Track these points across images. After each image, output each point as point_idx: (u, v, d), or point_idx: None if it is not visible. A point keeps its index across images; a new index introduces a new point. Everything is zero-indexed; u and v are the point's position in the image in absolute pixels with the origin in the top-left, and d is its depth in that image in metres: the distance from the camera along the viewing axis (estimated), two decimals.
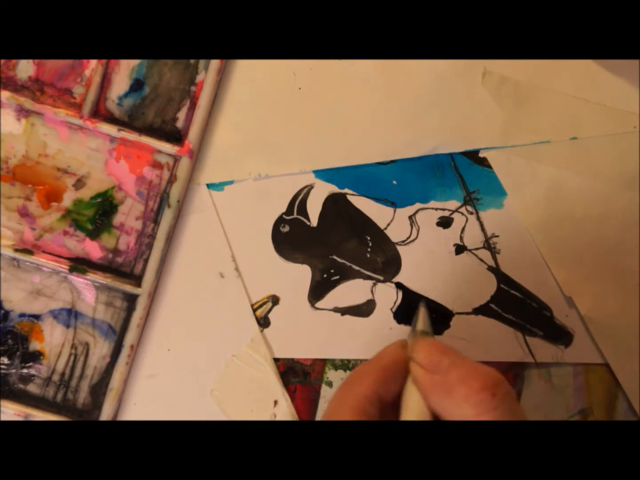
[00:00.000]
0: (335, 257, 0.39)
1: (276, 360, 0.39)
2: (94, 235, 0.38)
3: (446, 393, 0.26)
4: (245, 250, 0.39)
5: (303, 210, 0.39)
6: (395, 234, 0.39)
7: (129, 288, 0.38)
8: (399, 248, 0.39)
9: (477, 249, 0.39)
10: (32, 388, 0.39)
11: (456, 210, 0.39)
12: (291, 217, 0.39)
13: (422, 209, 0.39)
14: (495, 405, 0.25)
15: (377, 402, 0.26)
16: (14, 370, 0.38)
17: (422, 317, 0.31)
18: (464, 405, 0.25)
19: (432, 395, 0.26)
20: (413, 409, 0.27)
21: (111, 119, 0.38)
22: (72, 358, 0.39)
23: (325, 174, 0.39)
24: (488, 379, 0.25)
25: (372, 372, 0.27)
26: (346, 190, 0.39)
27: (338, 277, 0.39)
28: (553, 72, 0.38)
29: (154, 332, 0.39)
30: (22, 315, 0.39)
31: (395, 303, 0.39)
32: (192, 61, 0.38)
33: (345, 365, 0.39)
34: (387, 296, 0.39)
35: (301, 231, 0.39)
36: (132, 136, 0.37)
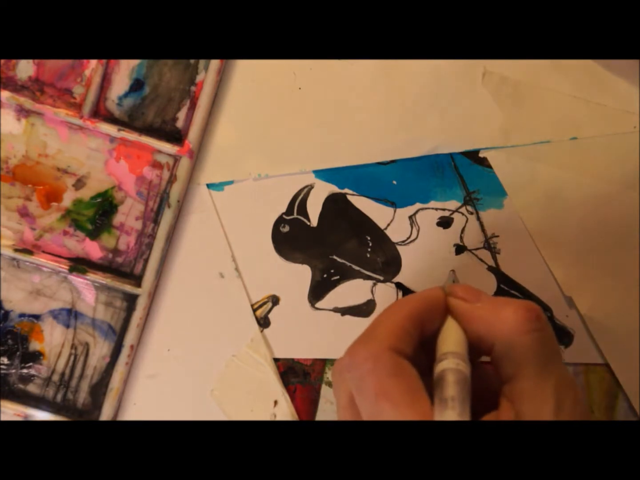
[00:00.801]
0: (335, 257, 0.39)
1: (276, 360, 0.39)
2: (94, 235, 0.38)
3: (491, 313, 0.26)
4: (245, 250, 0.39)
5: (303, 210, 0.39)
6: (395, 234, 0.39)
7: (129, 288, 0.38)
8: (399, 248, 0.39)
9: (477, 249, 0.39)
10: (32, 388, 0.39)
11: (456, 210, 0.39)
12: (291, 217, 0.39)
13: (422, 209, 0.39)
14: (541, 327, 0.26)
15: (418, 326, 0.27)
16: (14, 370, 0.38)
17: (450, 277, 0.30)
18: (511, 320, 0.26)
19: (476, 318, 0.27)
20: (452, 338, 0.27)
21: (111, 119, 0.38)
22: (72, 358, 0.39)
23: (325, 174, 0.39)
24: (532, 305, 0.26)
25: (415, 298, 0.28)
26: (346, 190, 0.39)
27: (338, 277, 0.39)
28: (553, 72, 0.38)
29: (154, 332, 0.39)
30: (22, 315, 0.39)
31: None
32: (192, 61, 0.38)
33: None
34: (387, 296, 0.39)
35: (301, 231, 0.39)
36: (132, 136, 0.37)
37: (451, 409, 0.24)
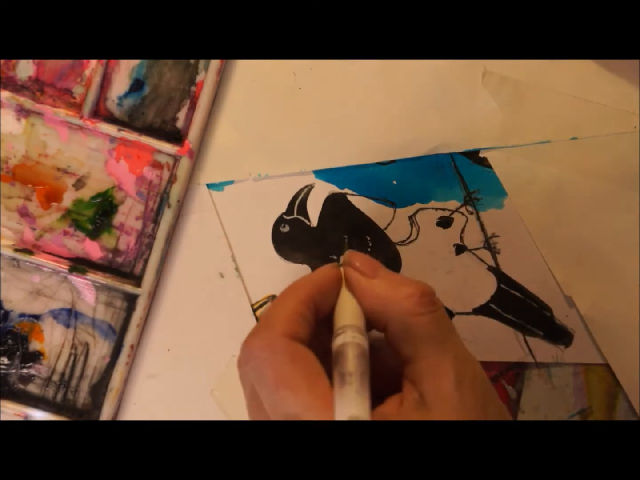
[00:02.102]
0: (335, 257, 0.39)
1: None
2: (94, 235, 0.38)
3: (386, 292, 0.27)
4: (245, 250, 0.39)
5: (303, 210, 0.39)
6: (395, 234, 0.39)
7: (129, 288, 0.38)
8: (399, 248, 0.39)
9: (477, 249, 0.39)
10: (32, 388, 0.39)
11: (456, 210, 0.39)
12: (291, 217, 0.39)
13: (422, 209, 0.39)
14: (435, 309, 0.26)
15: (313, 308, 0.27)
16: (14, 370, 0.38)
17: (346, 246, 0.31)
18: (405, 302, 0.26)
19: (371, 295, 0.27)
20: (348, 311, 0.27)
21: (111, 119, 0.38)
22: (72, 358, 0.39)
23: (325, 174, 0.39)
24: (426, 287, 0.27)
25: (308, 282, 0.27)
26: (346, 190, 0.39)
27: None
28: (553, 72, 0.38)
29: (154, 332, 0.39)
30: (22, 315, 0.39)
31: None
32: (192, 61, 0.38)
33: None
34: None
35: (301, 231, 0.39)
36: (132, 136, 0.37)
37: (349, 385, 0.24)
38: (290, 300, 0.27)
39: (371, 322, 0.27)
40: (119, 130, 0.37)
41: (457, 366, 0.25)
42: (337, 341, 0.25)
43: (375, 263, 0.28)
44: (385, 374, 0.27)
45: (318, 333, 0.27)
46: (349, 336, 0.25)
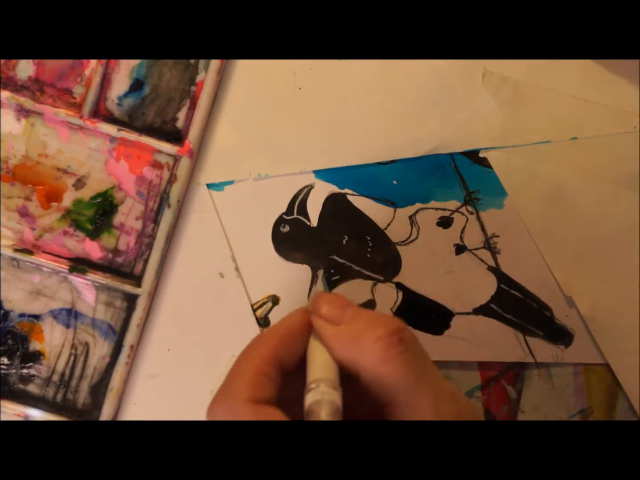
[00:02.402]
0: (335, 257, 0.39)
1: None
2: (94, 235, 0.38)
3: (352, 340, 0.25)
4: (245, 250, 0.39)
5: (303, 210, 0.39)
6: (395, 234, 0.39)
7: (129, 288, 0.38)
8: (399, 248, 0.39)
9: (477, 249, 0.39)
10: (32, 388, 0.39)
11: (456, 210, 0.39)
12: (291, 217, 0.39)
13: (422, 209, 0.39)
14: (403, 349, 0.25)
15: (277, 366, 0.26)
16: (14, 370, 0.38)
17: (319, 283, 0.30)
18: (372, 349, 0.25)
19: (338, 345, 0.26)
20: (319, 363, 0.26)
21: (111, 119, 0.38)
22: (72, 358, 0.39)
23: (325, 174, 0.39)
24: (393, 325, 0.25)
25: (272, 336, 0.26)
26: (346, 190, 0.39)
27: (338, 277, 0.39)
28: (553, 72, 0.38)
29: (154, 332, 0.39)
30: (22, 315, 0.39)
31: (395, 303, 0.39)
32: (192, 61, 0.38)
33: None
34: (387, 296, 0.39)
35: (301, 231, 0.39)
36: (132, 136, 0.37)
37: None
38: (252, 361, 0.26)
39: (344, 369, 0.26)
40: (119, 130, 0.37)
41: (436, 407, 0.24)
42: (309, 398, 0.24)
43: (343, 303, 0.27)
44: (364, 413, 0.26)
45: (289, 381, 0.26)
46: (320, 392, 0.24)
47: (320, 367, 0.26)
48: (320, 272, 0.30)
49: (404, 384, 0.25)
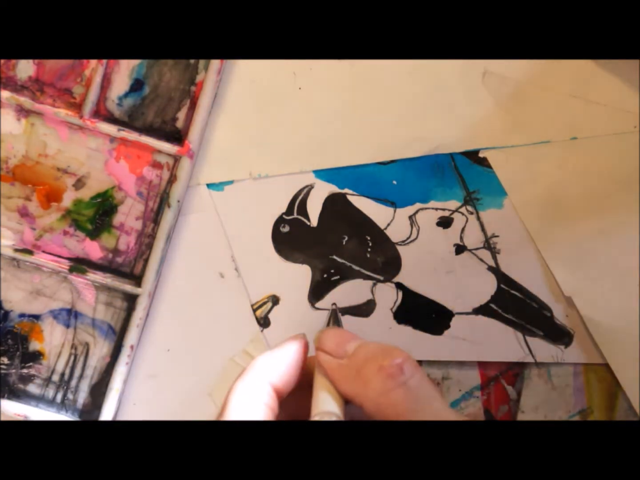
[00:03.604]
0: (335, 257, 0.39)
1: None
2: (94, 235, 0.38)
3: (356, 374, 0.26)
4: (245, 250, 0.39)
5: (303, 210, 0.39)
6: (395, 234, 0.39)
7: (129, 288, 0.38)
8: (399, 248, 0.39)
9: (477, 249, 0.39)
10: (32, 388, 0.39)
11: (456, 210, 0.39)
12: (291, 217, 0.39)
13: (422, 209, 0.39)
14: (405, 380, 0.25)
15: (275, 394, 0.26)
16: (14, 370, 0.38)
17: (332, 318, 0.31)
18: (374, 381, 0.25)
19: (342, 379, 0.26)
20: (324, 396, 0.26)
21: (111, 119, 0.38)
22: (72, 358, 0.39)
23: (325, 174, 0.39)
24: (395, 355, 0.26)
25: (271, 364, 0.27)
26: (346, 190, 0.39)
27: (338, 277, 0.39)
28: (553, 72, 0.38)
29: (154, 332, 0.39)
30: (22, 315, 0.39)
31: (395, 303, 0.39)
32: (192, 61, 0.38)
33: None
34: (387, 296, 0.39)
35: (301, 231, 0.39)
36: (132, 136, 0.37)
37: None
38: (251, 388, 0.26)
39: (349, 401, 0.26)
40: (119, 130, 0.37)
41: None
42: None
43: (347, 337, 0.27)
44: None
45: (287, 400, 0.27)
46: None
47: (324, 400, 0.26)
48: (336, 308, 0.31)
49: (408, 413, 0.25)
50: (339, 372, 0.26)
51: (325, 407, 0.26)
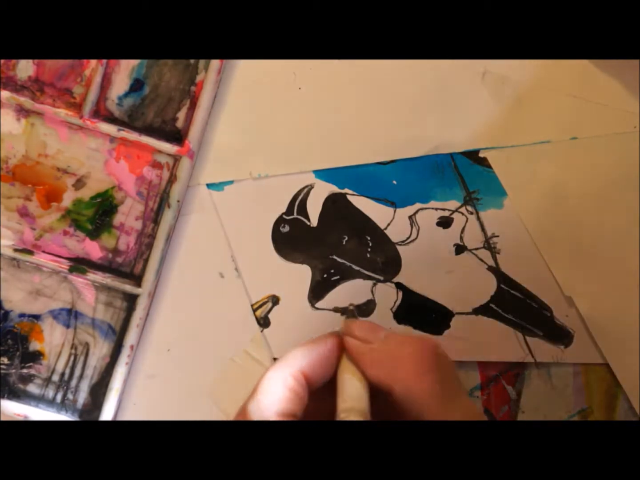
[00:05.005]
0: (335, 257, 0.39)
1: (276, 360, 0.39)
2: (94, 235, 0.38)
3: (387, 357, 0.26)
4: (245, 250, 0.39)
5: (303, 210, 0.39)
6: (395, 234, 0.39)
7: (129, 288, 0.38)
8: (399, 248, 0.39)
9: (477, 249, 0.39)
10: (32, 388, 0.39)
11: (456, 210, 0.39)
12: (291, 217, 0.39)
13: (422, 209, 0.39)
14: (438, 365, 0.25)
15: (306, 384, 0.26)
16: (14, 370, 0.39)
17: (351, 314, 0.31)
18: (407, 363, 0.25)
19: (373, 363, 0.26)
20: (350, 392, 0.26)
21: (111, 119, 0.38)
22: (72, 358, 0.39)
23: (325, 174, 0.39)
24: (428, 341, 0.26)
25: (301, 356, 0.27)
26: (346, 190, 0.39)
27: (338, 277, 0.39)
28: (553, 72, 0.38)
29: (154, 332, 0.39)
30: (22, 315, 0.39)
31: (395, 303, 0.39)
32: (192, 61, 0.38)
33: None
34: (387, 296, 0.39)
35: (301, 231, 0.39)
36: (132, 136, 0.37)
37: None
38: (282, 375, 0.26)
39: (377, 387, 0.27)
40: (119, 130, 0.37)
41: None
42: None
43: (375, 327, 0.28)
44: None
45: (316, 399, 0.27)
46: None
47: (351, 397, 0.26)
48: (354, 308, 0.31)
49: (437, 399, 0.25)
50: (369, 356, 0.27)
51: (352, 403, 0.26)
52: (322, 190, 0.39)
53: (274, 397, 0.26)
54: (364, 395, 0.26)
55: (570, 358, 0.40)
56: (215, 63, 0.37)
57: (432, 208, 0.39)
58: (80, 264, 0.38)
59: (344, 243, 0.39)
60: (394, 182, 0.39)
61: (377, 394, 0.26)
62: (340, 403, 0.26)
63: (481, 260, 0.39)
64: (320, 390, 0.27)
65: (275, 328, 0.39)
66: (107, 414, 0.38)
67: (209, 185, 0.39)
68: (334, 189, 0.39)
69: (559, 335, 0.39)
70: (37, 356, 0.39)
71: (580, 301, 0.39)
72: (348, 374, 0.27)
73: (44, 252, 0.38)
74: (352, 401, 0.26)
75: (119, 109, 0.38)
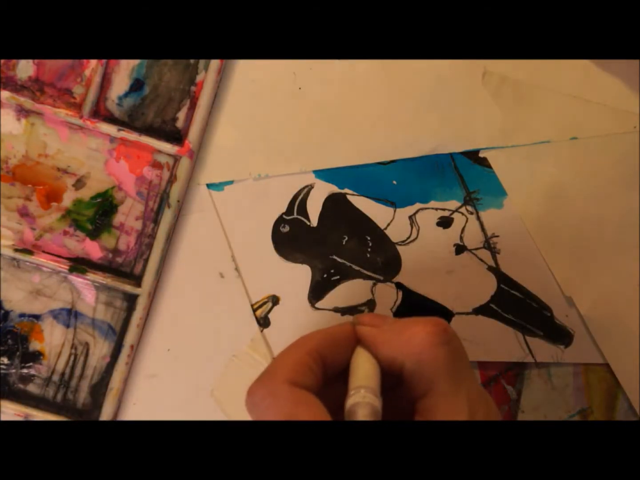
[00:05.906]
0: (335, 257, 0.39)
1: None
2: (94, 235, 0.38)
3: (398, 335, 0.27)
4: (245, 250, 0.39)
5: (303, 210, 0.39)
6: (395, 234, 0.39)
7: (129, 288, 0.38)
8: (399, 248, 0.39)
9: (477, 249, 0.39)
10: (32, 388, 0.39)
11: (456, 210, 0.39)
12: (291, 217, 0.39)
13: (422, 209, 0.39)
14: (449, 340, 0.26)
15: (320, 361, 0.27)
16: (14, 370, 0.39)
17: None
18: (418, 337, 0.26)
19: (384, 342, 0.27)
20: (362, 373, 0.27)
21: (111, 119, 0.38)
22: (72, 358, 0.39)
23: (325, 174, 0.39)
24: (439, 319, 0.27)
25: (317, 335, 0.28)
26: (346, 190, 0.39)
27: (338, 277, 0.39)
28: (553, 72, 0.38)
29: (154, 332, 0.39)
30: (22, 315, 0.39)
31: (395, 303, 0.39)
32: (192, 61, 0.38)
33: None
34: (387, 296, 0.39)
35: (301, 231, 0.39)
36: (132, 136, 0.37)
37: None
38: (295, 350, 0.27)
39: (389, 370, 0.27)
40: (119, 130, 0.37)
41: (471, 404, 0.25)
42: (350, 401, 0.25)
43: (384, 315, 0.28)
44: (396, 415, 0.27)
45: (332, 390, 0.27)
46: (361, 396, 0.25)
47: (362, 376, 0.27)
48: (366, 311, 0.31)
49: (446, 373, 0.25)
50: (381, 337, 0.27)
51: (363, 382, 0.26)
52: (322, 190, 0.39)
53: (285, 367, 0.26)
54: (375, 375, 0.27)
55: (570, 358, 0.40)
56: (215, 63, 0.37)
57: (432, 208, 0.39)
58: (80, 264, 0.38)
59: (344, 243, 0.39)
60: (394, 182, 0.39)
61: (386, 386, 0.26)
62: (350, 382, 0.26)
63: (481, 260, 0.39)
64: (335, 383, 0.27)
65: (275, 328, 0.39)
66: (107, 414, 0.38)
67: (209, 185, 0.39)
68: (334, 189, 0.39)
69: (559, 335, 0.40)
70: (37, 356, 0.39)
71: (580, 301, 0.39)
72: (361, 358, 0.27)
73: (44, 252, 0.38)
74: (363, 380, 0.26)
75: (119, 109, 0.38)
